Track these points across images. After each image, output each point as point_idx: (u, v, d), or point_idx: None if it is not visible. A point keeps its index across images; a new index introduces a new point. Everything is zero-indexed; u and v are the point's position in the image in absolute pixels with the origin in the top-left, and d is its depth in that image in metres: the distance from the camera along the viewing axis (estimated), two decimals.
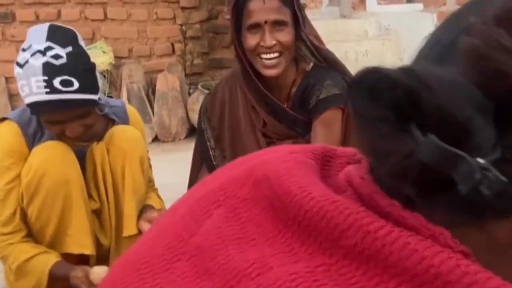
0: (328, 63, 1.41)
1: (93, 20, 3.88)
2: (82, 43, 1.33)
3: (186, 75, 4.03)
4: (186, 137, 3.71)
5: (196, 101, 3.64)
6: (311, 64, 1.42)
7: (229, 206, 0.37)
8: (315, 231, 0.31)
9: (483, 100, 0.28)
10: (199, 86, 3.87)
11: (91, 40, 3.83)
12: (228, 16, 1.52)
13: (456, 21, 0.34)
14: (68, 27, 1.34)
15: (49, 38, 1.27)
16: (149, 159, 1.62)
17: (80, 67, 1.27)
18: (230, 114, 1.47)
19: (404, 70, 0.29)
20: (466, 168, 0.28)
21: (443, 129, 0.28)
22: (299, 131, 1.41)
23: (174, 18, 4.06)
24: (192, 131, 3.62)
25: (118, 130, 1.45)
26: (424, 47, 0.35)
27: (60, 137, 1.36)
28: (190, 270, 0.36)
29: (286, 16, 1.32)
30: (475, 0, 0.34)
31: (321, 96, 1.35)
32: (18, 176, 1.35)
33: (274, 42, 1.31)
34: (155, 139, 3.71)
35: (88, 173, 1.44)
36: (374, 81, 0.29)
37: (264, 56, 1.33)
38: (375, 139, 0.30)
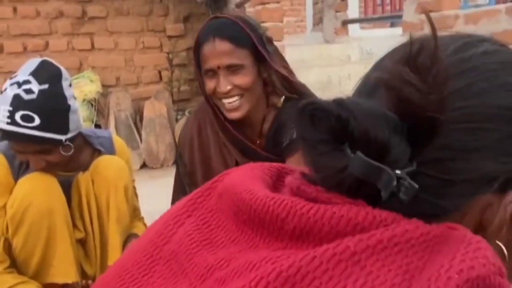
0: (299, 96, 1.35)
1: (80, 50, 3.93)
2: (65, 83, 1.34)
3: (173, 101, 4.08)
4: (174, 163, 3.73)
5: None
6: (282, 98, 1.36)
7: (198, 216, 0.44)
8: (265, 224, 0.38)
9: (398, 123, 0.35)
10: (187, 112, 3.91)
11: (79, 69, 3.88)
12: None
13: (381, 63, 0.43)
14: (58, 65, 1.37)
15: (33, 72, 1.30)
16: (134, 188, 1.65)
17: (48, 106, 1.29)
18: (200, 150, 1.41)
19: (336, 102, 0.36)
20: (386, 177, 0.35)
21: (368, 148, 0.35)
22: None
23: (161, 46, 4.13)
24: None
25: (103, 160, 1.47)
26: (359, 85, 0.43)
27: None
28: (167, 272, 0.41)
29: (240, 58, 1.26)
30: (395, 48, 0.42)
31: (294, 136, 1.27)
32: (3, 207, 1.37)
33: (229, 87, 1.26)
34: (143, 165, 3.72)
35: (73, 203, 1.46)
36: (313, 111, 0.36)
37: (224, 100, 1.29)
38: (315, 157, 0.37)
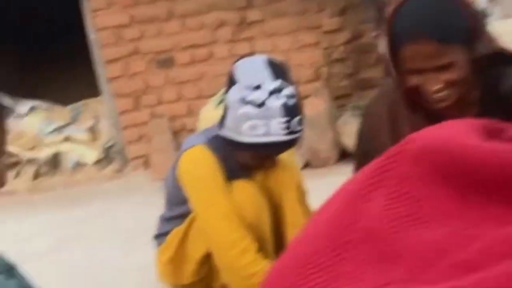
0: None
1: (241, 56, 4.08)
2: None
3: (333, 98, 4.00)
4: (336, 162, 3.65)
5: (346, 123, 3.57)
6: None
7: (390, 187, 0.39)
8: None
9: None
10: (349, 108, 3.80)
11: None
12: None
13: None
14: (280, 60, 1.35)
15: (276, 75, 1.28)
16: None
17: (301, 103, 1.30)
18: (392, 137, 1.28)
19: None
20: None
21: None
22: None
23: (318, 43, 4.08)
24: (343, 155, 3.55)
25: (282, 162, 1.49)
26: None
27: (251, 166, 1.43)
28: (364, 256, 0.37)
29: (449, 56, 1.08)
30: None
31: None
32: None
33: (439, 86, 1.09)
34: (306, 165, 3.71)
35: None
36: None
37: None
38: None
